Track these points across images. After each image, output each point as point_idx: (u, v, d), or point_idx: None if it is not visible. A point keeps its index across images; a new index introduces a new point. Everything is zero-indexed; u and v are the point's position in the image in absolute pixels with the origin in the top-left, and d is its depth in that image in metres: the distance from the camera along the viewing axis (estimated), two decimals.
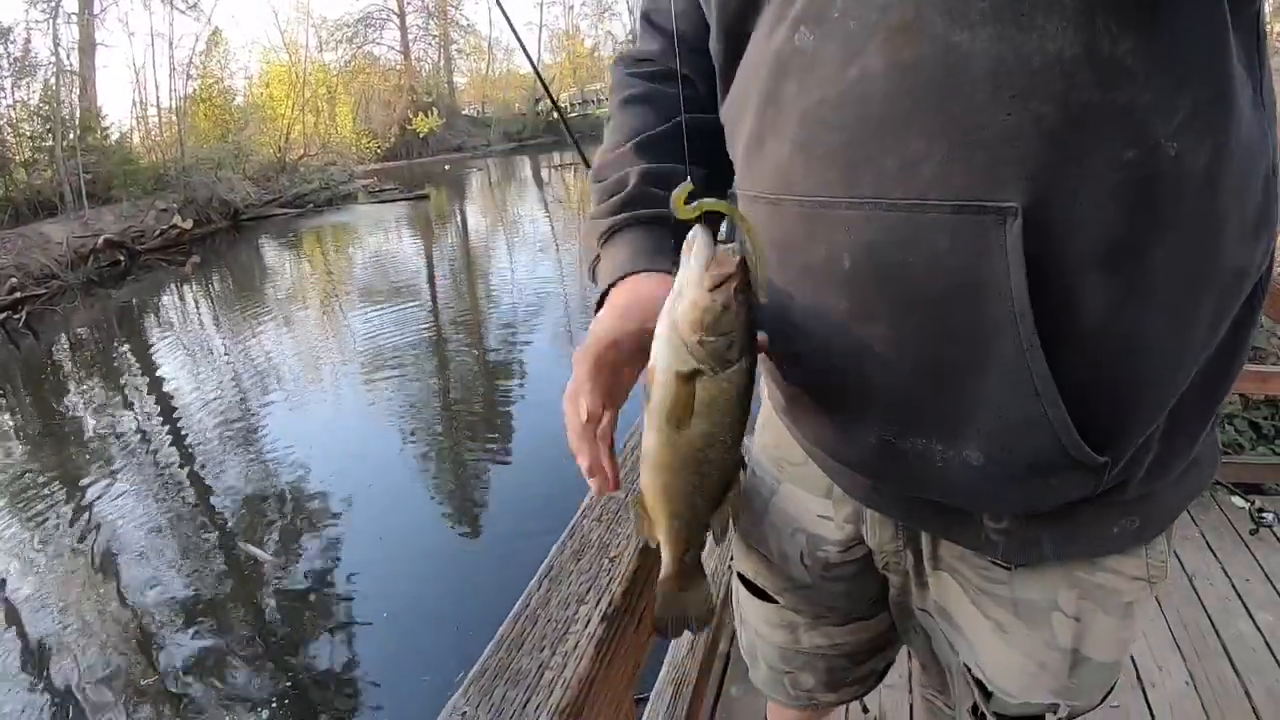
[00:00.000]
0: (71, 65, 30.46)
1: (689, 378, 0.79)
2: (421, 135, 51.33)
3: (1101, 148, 0.73)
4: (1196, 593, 3.24)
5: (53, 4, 30.27)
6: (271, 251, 23.96)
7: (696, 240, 0.78)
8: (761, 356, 1.14)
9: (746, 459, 1.08)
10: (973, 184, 0.76)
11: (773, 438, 1.35)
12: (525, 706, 0.95)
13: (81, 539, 7.22)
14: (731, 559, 1.58)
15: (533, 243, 21.41)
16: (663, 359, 0.80)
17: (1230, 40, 0.74)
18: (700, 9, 1.08)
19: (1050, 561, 1.05)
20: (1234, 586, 3.28)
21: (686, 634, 2.37)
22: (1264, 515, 3.64)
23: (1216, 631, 3.03)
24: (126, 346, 14.69)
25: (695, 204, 0.78)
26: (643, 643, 1.28)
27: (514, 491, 7.43)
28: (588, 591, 1.15)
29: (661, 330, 0.81)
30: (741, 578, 1.51)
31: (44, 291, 18.51)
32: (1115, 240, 0.75)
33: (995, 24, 0.72)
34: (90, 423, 10.52)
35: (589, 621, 1.09)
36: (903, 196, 0.79)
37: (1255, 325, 0.92)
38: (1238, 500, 3.77)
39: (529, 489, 7.27)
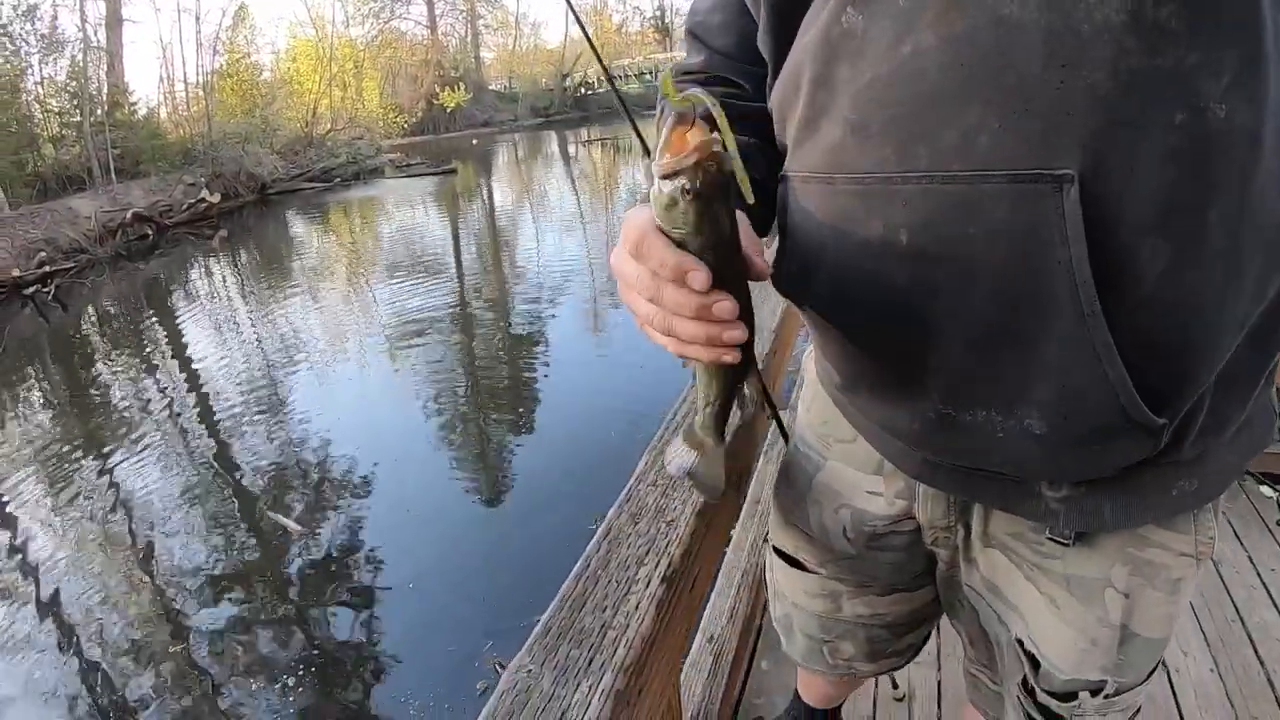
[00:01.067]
0: (99, 41, 30.62)
1: None
2: (448, 110, 51.30)
3: (1153, 112, 0.73)
4: (1222, 580, 3.22)
5: None
6: (298, 225, 24.04)
7: (666, 121, 0.74)
8: (818, 331, 1.19)
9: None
10: (1029, 153, 0.77)
11: (819, 415, 1.38)
12: (589, 665, 0.96)
13: (109, 508, 7.30)
14: (767, 534, 1.59)
15: (559, 219, 21.40)
16: None
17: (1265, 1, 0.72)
18: (742, 22, 1.12)
19: (1109, 530, 1.06)
20: (1260, 576, 3.26)
21: (725, 605, 2.40)
22: None
23: (1241, 620, 3.01)
24: (154, 319, 14.76)
25: (683, 95, 0.74)
26: (695, 606, 1.30)
27: (538, 466, 7.44)
28: (646, 553, 1.16)
29: None
30: (779, 552, 1.54)
31: (72, 265, 18.62)
32: (1170, 203, 0.75)
33: None
34: (118, 394, 10.60)
35: (649, 582, 1.10)
36: (961, 168, 0.81)
37: None
38: (1265, 490, 3.75)
39: (553, 463, 7.33)
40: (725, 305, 0.78)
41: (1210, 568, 3.16)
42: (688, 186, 0.71)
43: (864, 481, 1.30)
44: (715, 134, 0.71)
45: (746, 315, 0.81)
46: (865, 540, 1.34)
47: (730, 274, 0.78)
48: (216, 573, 6.19)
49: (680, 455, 1.07)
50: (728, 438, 1.02)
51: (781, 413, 1.54)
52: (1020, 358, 0.86)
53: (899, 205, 0.86)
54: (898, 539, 1.32)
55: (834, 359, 1.16)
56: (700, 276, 0.75)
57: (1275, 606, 3.08)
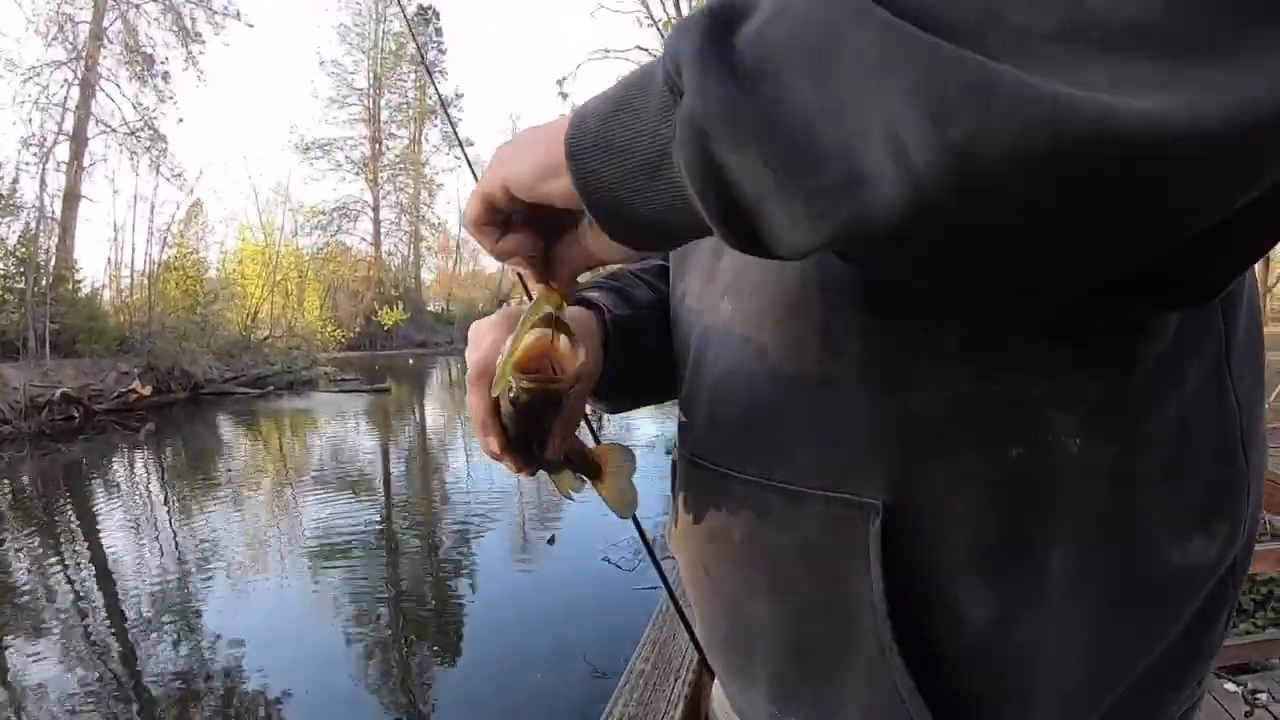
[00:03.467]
0: (54, 213, 30.94)
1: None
2: (385, 328, 51.86)
3: (980, 443, 0.70)
4: None
5: (45, 149, 31.22)
6: (228, 429, 23.81)
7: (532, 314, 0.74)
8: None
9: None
10: (839, 474, 0.75)
11: (719, 685, 1.28)
12: None
13: None
14: None
15: None
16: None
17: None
18: None
19: None
20: None
21: None
22: (1258, 696, 3.59)
23: None
24: (70, 505, 14.36)
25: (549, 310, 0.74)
26: None
27: (460, 699, 7.24)
28: None
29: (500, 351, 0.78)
30: None
31: None
32: (997, 542, 0.70)
33: (866, 312, 0.72)
34: (22, 579, 10.13)
35: None
36: (781, 479, 0.80)
37: (1221, 625, 0.81)
38: (1229, 685, 3.66)
39: (476, 697, 7.17)
40: (506, 465, 0.86)
41: None
42: (511, 395, 0.74)
43: None
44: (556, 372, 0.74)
45: (539, 456, 0.86)
46: None
47: (529, 439, 0.83)
48: None
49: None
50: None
51: None
52: (829, 676, 0.82)
53: (735, 504, 0.86)
54: None
55: (701, 637, 1.12)
56: (491, 445, 0.83)
57: None
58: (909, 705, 0.73)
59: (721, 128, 0.47)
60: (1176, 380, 0.68)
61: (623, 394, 1.10)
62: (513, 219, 0.71)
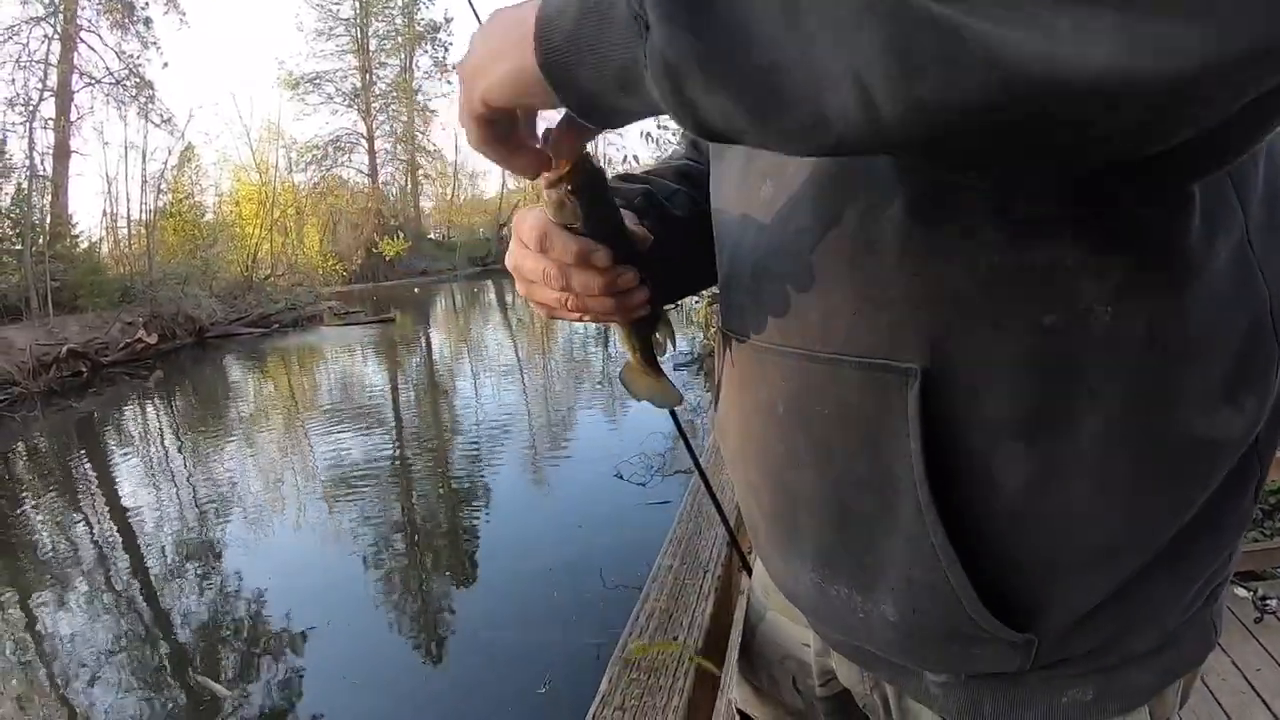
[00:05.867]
0: (45, 170, 30.56)
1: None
2: (388, 258, 51.47)
3: (1014, 312, 0.72)
4: (1210, 691, 3.17)
5: (30, 108, 30.76)
6: (236, 370, 23.84)
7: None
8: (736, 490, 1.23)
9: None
10: (878, 342, 0.78)
11: (761, 564, 1.31)
12: None
13: (28, 657, 7.03)
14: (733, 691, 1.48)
15: (497, 367, 21.56)
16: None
17: (1193, 186, 0.68)
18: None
19: None
20: (1247, 679, 3.24)
21: None
22: (1267, 602, 3.68)
23: None
24: (85, 459, 14.45)
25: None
26: None
27: (481, 626, 7.22)
28: None
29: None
30: (740, 712, 1.46)
31: (4, 397, 18.30)
32: (1032, 409, 0.73)
33: (904, 187, 0.74)
34: (44, 535, 10.25)
35: None
36: (822, 350, 0.83)
37: (1248, 499, 0.84)
38: (1240, 590, 3.74)
39: (496, 623, 7.14)
40: (627, 276, 0.85)
41: (1196, 681, 3.10)
42: (570, 187, 0.79)
43: (797, 633, 1.24)
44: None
45: (643, 278, 0.89)
46: (811, 695, 1.25)
47: (623, 248, 0.86)
48: None
49: (639, 390, 1.07)
50: (660, 363, 1.03)
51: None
52: (870, 543, 0.85)
53: (778, 376, 0.90)
54: (831, 703, 1.24)
55: (744, 511, 1.15)
56: (602, 255, 0.82)
57: (1268, 708, 3.08)
58: (946, 568, 0.78)
59: (692, 73, 0.50)
60: (1205, 256, 0.69)
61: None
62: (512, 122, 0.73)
